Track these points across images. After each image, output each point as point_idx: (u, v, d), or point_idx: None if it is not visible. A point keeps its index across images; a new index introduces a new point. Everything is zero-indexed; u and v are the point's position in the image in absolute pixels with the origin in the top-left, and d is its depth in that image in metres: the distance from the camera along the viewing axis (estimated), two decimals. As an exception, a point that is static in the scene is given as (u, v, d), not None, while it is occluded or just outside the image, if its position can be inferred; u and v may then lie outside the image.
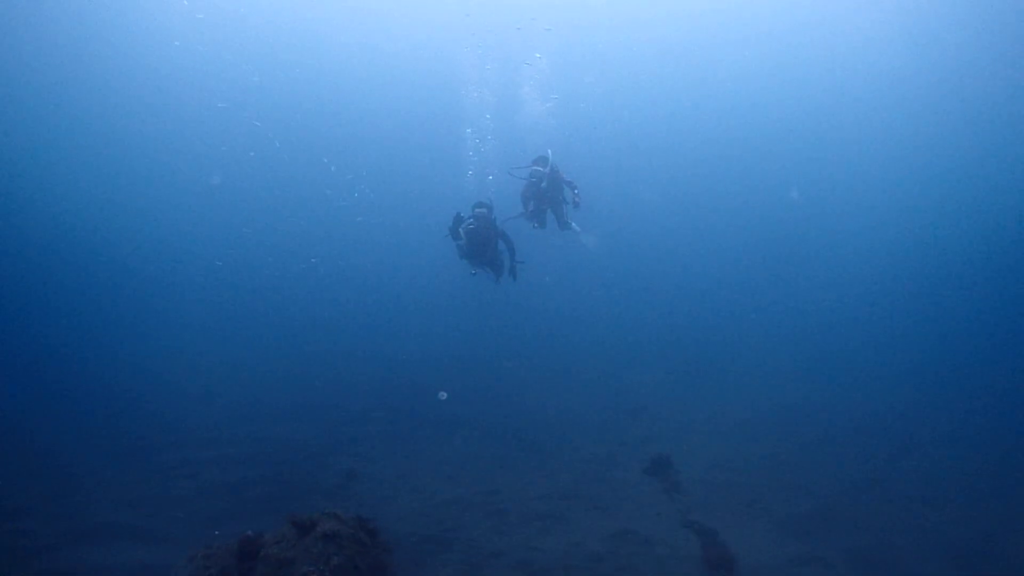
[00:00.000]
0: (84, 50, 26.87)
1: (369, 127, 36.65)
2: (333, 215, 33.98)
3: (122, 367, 15.47)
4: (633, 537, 6.76)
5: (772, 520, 7.49)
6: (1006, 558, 6.66)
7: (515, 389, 14.45)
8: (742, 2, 28.61)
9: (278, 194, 34.36)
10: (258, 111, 32.42)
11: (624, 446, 10.43)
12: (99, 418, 11.21)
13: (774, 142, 35.86)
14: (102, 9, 25.02)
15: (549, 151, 10.47)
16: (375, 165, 35.58)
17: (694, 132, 37.45)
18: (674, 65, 33.98)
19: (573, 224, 10.89)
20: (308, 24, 29.87)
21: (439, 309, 24.67)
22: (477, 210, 9.27)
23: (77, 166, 31.63)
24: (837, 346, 19.23)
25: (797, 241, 32.72)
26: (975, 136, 30.76)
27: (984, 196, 30.45)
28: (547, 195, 10.34)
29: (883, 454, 10.04)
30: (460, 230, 9.15)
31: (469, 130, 20.96)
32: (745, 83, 34.68)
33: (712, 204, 37.97)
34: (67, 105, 29.32)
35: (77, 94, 29.15)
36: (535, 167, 10.10)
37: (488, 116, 21.49)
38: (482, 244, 9.39)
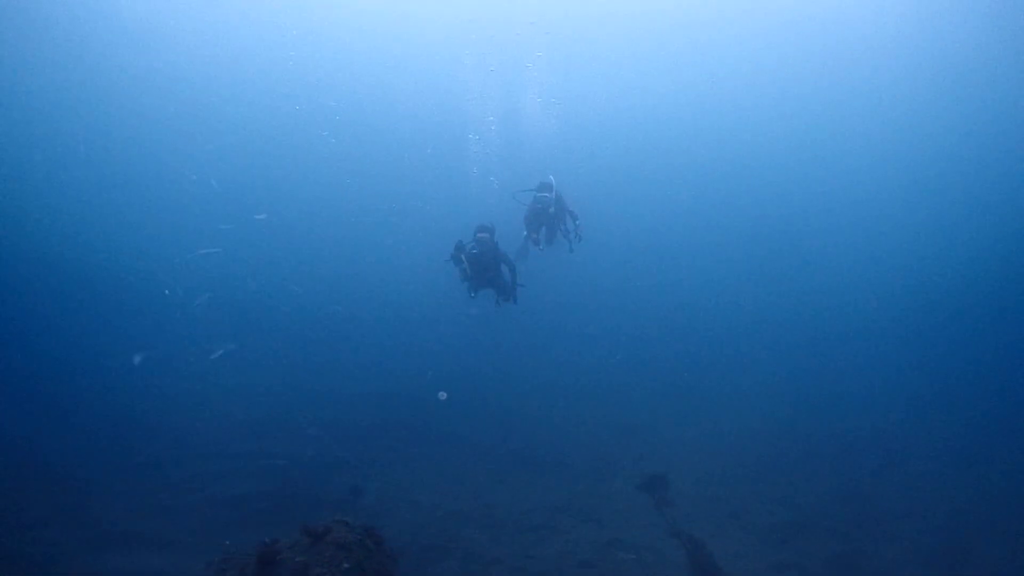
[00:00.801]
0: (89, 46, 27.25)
1: (369, 131, 36.74)
2: (335, 224, 34.11)
3: (128, 382, 15.81)
4: (622, 545, 7.17)
5: (755, 530, 7.91)
6: (982, 565, 7.07)
7: (511, 406, 14.84)
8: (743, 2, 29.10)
9: (278, 202, 34.54)
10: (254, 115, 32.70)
11: (617, 462, 10.82)
12: (109, 434, 11.53)
13: (778, 148, 36.06)
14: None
15: (552, 177, 10.88)
16: (375, 171, 35.77)
17: (696, 136, 37.63)
18: (676, 65, 34.00)
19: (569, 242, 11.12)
20: (306, 25, 29.97)
21: (438, 325, 24.98)
22: (480, 235, 9.36)
23: (88, 177, 31.91)
24: (827, 362, 19.74)
25: (789, 255, 33.22)
26: (967, 152, 31.32)
27: (974, 219, 30.79)
28: (554, 220, 10.75)
29: (867, 468, 10.47)
30: (462, 256, 9.21)
31: (473, 136, 21.24)
32: (746, 84, 34.86)
33: (705, 213, 38.33)
34: (73, 107, 29.68)
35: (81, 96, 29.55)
36: (542, 194, 10.41)
37: (491, 118, 21.80)
38: (485, 268, 9.49)
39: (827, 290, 29.32)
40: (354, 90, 34.83)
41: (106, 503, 8.21)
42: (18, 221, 27.97)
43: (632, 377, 19.32)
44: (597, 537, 7.42)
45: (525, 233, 10.98)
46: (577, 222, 10.97)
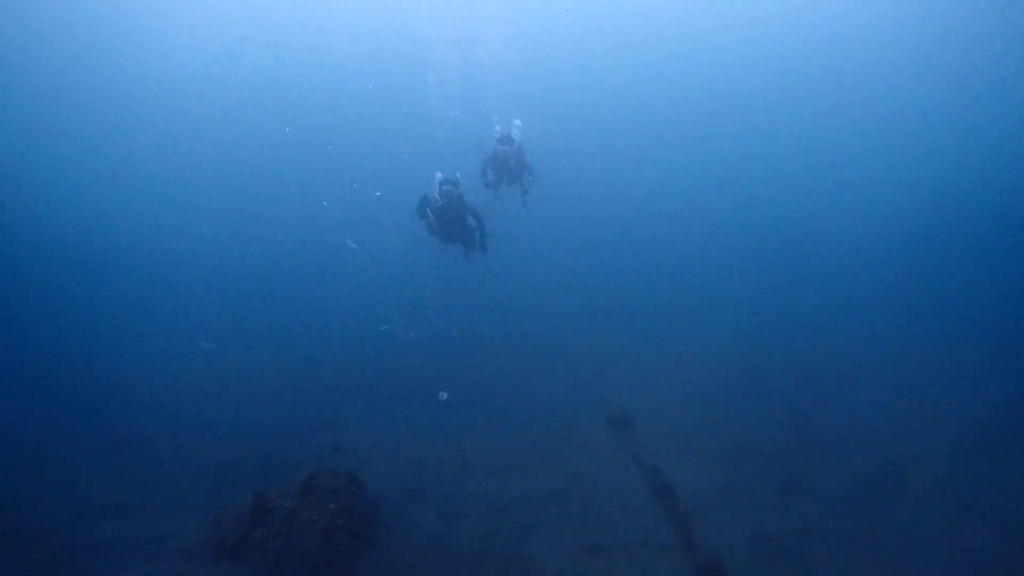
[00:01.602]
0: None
1: (326, 72, 35.88)
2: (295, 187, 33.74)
3: (101, 361, 16.00)
4: (586, 477, 7.86)
5: (709, 457, 8.73)
6: (918, 486, 7.84)
7: (481, 358, 15.45)
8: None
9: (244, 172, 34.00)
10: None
11: (582, 405, 11.53)
12: (89, 412, 11.81)
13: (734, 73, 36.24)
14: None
15: (515, 130, 11.18)
16: (337, 121, 35.18)
17: (656, 81, 37.55)
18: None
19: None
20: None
21: (408, 283, 25.33)
22: (444, 187, 9.42)
23: (71, 158, 31.24)
24: (786, 303, 20.77)
25: (766, 207, 34.19)
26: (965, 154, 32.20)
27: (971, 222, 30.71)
28: (513, 172, 11.15)
29: (817, 400, 11.34)
30: (428, 210, 9.31)
31: (431, 77, 20.89)
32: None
33: (676, 159, 38.69)
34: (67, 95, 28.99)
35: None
36: (503, 147, 10.75)
37: (449, 52, 21.42)
38: (451, 221, 9.57)
39: (807, 236, 30.32)
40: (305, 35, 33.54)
41: (95, 478, 8.57)
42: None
43: (597, 321, 20.19)
44: (561, 471, 8.10)
45: (483, 180, 11.29)
46: (530, 178, 11.38)
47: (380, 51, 32.81)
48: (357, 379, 13.87)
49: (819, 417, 10.41)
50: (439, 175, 10.31)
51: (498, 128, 11.52)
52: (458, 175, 10.03)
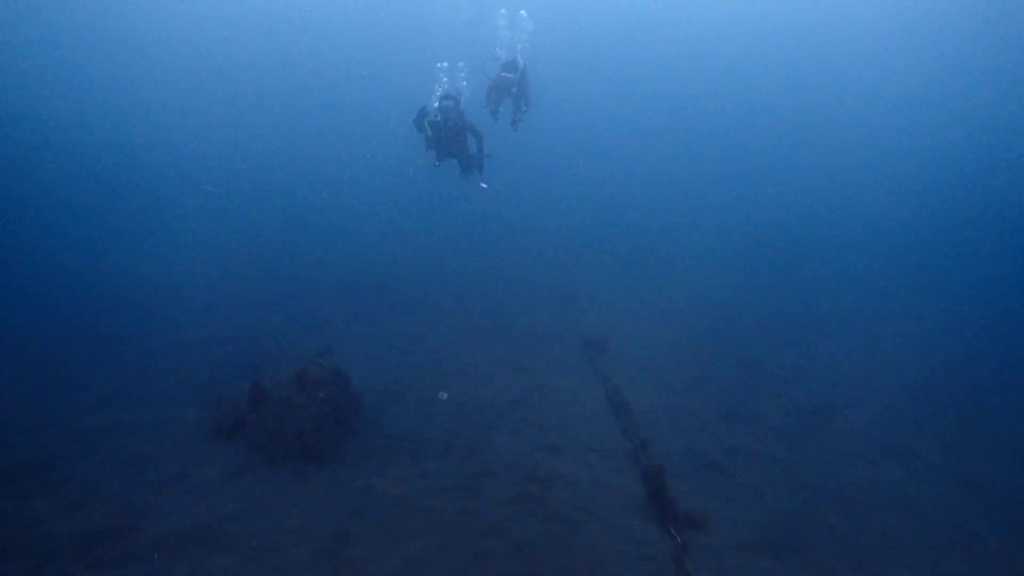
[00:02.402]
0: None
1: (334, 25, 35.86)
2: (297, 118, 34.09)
3: (94, 265, 16.64)
4: (549, 389, 8.74)
5: (665, 383, 9.64)
6: (853, 420, 8.73)
7: (465, 280, 16.22)
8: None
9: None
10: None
11: (559, 329, 12.38)
12: (83, 313, 12.43)
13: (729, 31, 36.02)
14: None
15: (519, 57, 11.30)
16: (343, 58, 35.01)
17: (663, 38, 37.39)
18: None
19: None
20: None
21: (398, 205, 25.89)
22: (444, 102, 9.13)
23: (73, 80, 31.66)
24: (764, 247, 21.57)
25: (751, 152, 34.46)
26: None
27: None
28: (516, 99, 11.33)
29: (768, 343, 12.21)
30: (425, 123, 9.05)
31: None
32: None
33: (664, 105, 38.73)
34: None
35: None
36: (506, 74, 10.54)
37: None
38: (449, 138, 9.33)
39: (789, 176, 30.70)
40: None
41: (95, 372, 9.14)
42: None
43: (580, 249, 20.96)
44: (528, 384, 8.97)
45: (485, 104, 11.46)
46: (525, 109, 11.71)
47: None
48: (352, 290, 14.65)
49: (773, 358, 11.32)
50: (439, 88, 10.33)
51: (500, 52, 11.63)
52: (464, 83, 10.00)
